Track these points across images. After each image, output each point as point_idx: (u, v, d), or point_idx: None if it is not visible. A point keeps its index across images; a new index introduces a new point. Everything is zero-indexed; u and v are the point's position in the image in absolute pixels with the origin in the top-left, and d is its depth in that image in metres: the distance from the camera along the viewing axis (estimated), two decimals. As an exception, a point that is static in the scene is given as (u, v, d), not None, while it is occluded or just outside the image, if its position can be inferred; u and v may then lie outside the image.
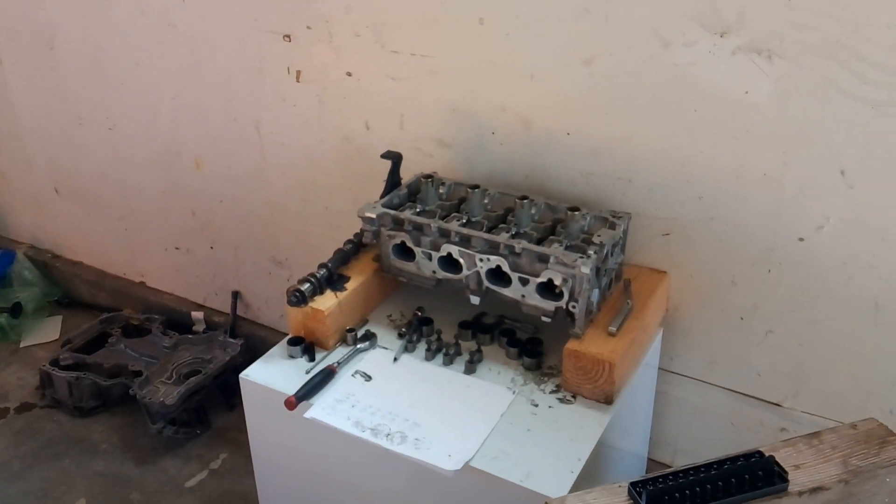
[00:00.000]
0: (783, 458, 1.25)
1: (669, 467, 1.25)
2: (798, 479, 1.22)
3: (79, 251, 3.08)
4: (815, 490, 1.22)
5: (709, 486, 1.18)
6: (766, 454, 1.24)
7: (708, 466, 1.21)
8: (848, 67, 1.49)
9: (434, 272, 1.78)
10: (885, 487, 1.26)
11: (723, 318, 1.85)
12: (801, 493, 1.21)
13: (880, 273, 1.64)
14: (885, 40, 1.45)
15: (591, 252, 1.62)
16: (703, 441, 1.99)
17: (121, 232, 2.86)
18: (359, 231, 1.86)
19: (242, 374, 1.73)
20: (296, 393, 1.63)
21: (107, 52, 2.50)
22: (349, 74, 2.06)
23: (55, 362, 2.60)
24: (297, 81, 2.15)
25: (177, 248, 2.74)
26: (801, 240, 1.68)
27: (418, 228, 1.76)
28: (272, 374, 1.72)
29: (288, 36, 2.10)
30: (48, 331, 2.98)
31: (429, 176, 1.88)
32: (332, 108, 2.13)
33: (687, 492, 1.17)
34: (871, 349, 1.72)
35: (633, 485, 1.19)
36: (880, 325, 1.68)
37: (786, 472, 1.22)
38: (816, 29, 1.49)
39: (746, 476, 1.20)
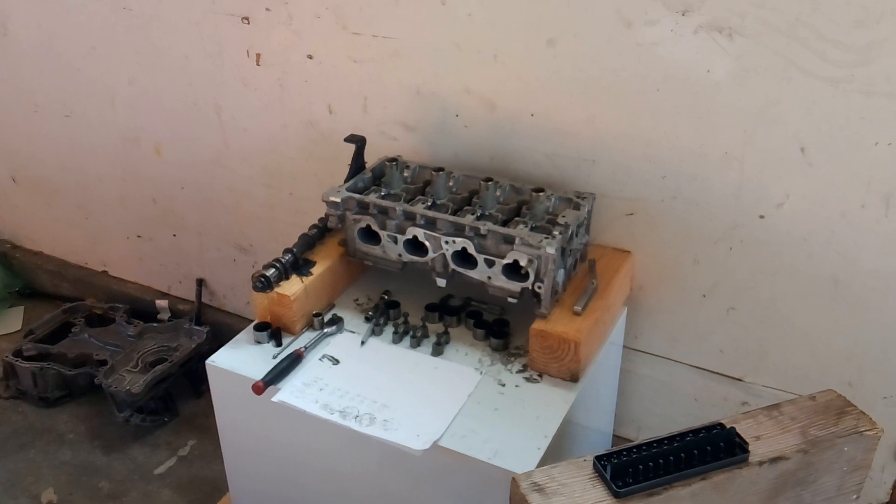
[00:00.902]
0: (744, 429, 1.27)
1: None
2: (759, 450, 1.25)
3: (39, 241, 3.03)
4: (776, 460, 1.24)
5: (671, 457, 1.20)
6: (728, 426, 1.26)
7: (671, 439, 1.23)
8: (807, 45, 1.51)
9: (400, 255, 1.78)
10: (843, 456, 1.29)
11: (685, 296, 1.87)
12: (761, 463, 1.24)
13: (839, 249, 1.67)
14: (843, 18, 1.47)
15: (556, 233, 1.63)
16: (668, 417, 2.02)
17: (81, 221, 2.82)
18: (324, 216, 1.85)
19: (209, 361, 1.72)
20: (263, 378, 1.62)
21: (61, 37, 2.45)
22: (310, 57, 2.04)
23: (18, 353, 2.56)
24: (258, 65, 2.13)
25: (139, 237, 2.71)
26: (762, 217, 1.71)
27: (383, 212, 1.76)
28: (239, 360, 1.71)
29: (246, 18, 2.08)
30: (10, 322, 2.94)
31: (393, 159, 1.88)
32: (294, 92, 2.12)
33: (650, 464, 1.19)
34: (830, 324, 1.75)
35: (598, 458, 1.21)
36: (839, 300, 1.71)
37: (746, 443, 1.24)
38: (776, 7, 1.51)
39: (708, 448, 1.22)
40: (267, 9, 2.04)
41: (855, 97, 1.52)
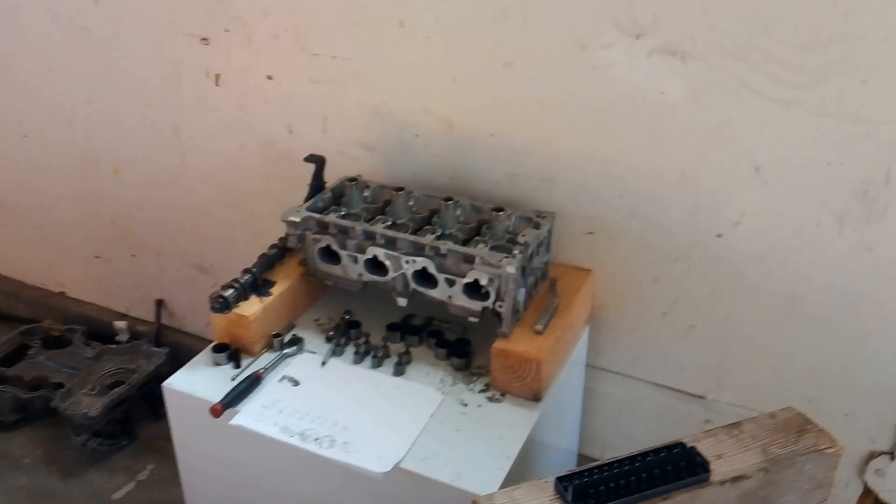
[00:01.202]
0: (705, 448, 1.27)
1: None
2: (720, 469, 1.25)
3: (-6, 262, 2.98)
4: (737, 479, 1.24)
5: (633, 478, 1.20)
6: (689, 445, 1.26)
7: (632, 459, 1.23)
8: (759, 67, 1.53)
9: (360, 275, 1.77)
10: (804, 474, 1.29)
11: (646, 313, 1.88)
12: (723, 483, 1.24)
13: (795, 267, 1.69)
14: (793, 41, 1.49)
15: (516, 252, 1.63)
16: (631, 435, 2.03)
17: (38, 241, 2.78)
18: (284, 236, 1.84)
19: (165, 383, 1.70)
20: (221, 400, 1.61)
21: (16, 57, 2.42)
22: (270, 78, 2.04)
23: (-28, 376, 2.52)
24: (217, 85, 2.12)
25: (97, 257, 2.68)
26: (719, 236, 1.72)
27: (343, 232, 1.76)
28: (196, 382, 1.69)
29: (206, 39, 2.07)
30: (-36, 345, 2.88)
31: (353, 179, 1.87)
32: (253, 112, 2.11)
33: (612, 484, 1.19)
34: (790, 341, 1.76)
35: (560, 479, 1.20)
36: (797, 317, 1.73)
37: (707, 462, 1.24)
38: (728, 30, 1.53)
39: (670, 467, 1.22)
40: (226, 30, 2.02)
41: (807, 118, 1.54)
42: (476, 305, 1.67)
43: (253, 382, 1.66)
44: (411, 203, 1.82)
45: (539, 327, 1.66)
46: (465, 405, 1.64)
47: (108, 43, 2.23)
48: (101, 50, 2.25)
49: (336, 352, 1.77)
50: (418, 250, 1.69)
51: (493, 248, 1.68)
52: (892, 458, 1.78)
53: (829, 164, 1.56)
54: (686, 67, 1.59)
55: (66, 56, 2.32)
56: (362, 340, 1.80)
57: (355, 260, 1.76)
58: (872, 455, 1.80)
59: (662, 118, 1.65)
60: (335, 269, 1.80)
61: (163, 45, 2.14)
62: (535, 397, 1.63)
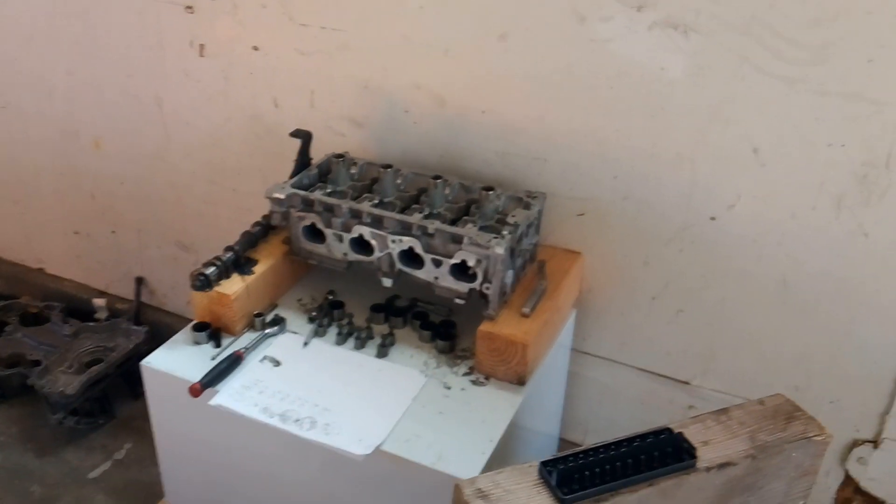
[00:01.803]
0: (692, 434, 1.25)
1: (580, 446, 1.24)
2: (706, 455, 1.23)
3: (-29, 237, 2.93)
4: (723, 465, 1.22)
5: (618, 463, 1.17)
6: (675, 431, 1.24)
7: (618, 444, 1.20)
8: (762, 43, 1.50)
9: (345, 254, 1.73)
10: (791, 462, 1.28)
11: (635, 298, 1.85)
12: (709, 469, 1.21)
13: (789, 251, 1.66)
14: (799, 16, 1.46)
15: (505, 233, 1.60)
16: (614, 420, 2.01)
17: (17, 216, 2.73)
18: (268, 213, 1.80)
19: (144, 362, 1.66)
20: (200, 380, 1.57)
21: (-4, 26, 2.37)
22: (256, 49, 1.99)
23: (-52, 353, 2.48)
24: (201, 56, 2.07)
25: (76, 233, 2.63)
26: (713, 219, 1.69)
27: (329, 209, 1.72)
28: (176, 361, 1.65)
29: (190, 7, 2.02)
30: (-61, 320, 2.84)
31: (340, 155, 1.83)
32: (238, 85, 2.06)
33: (597, 470, 1.16)
34: (779, 327, 1.74)
35: (544, 464, 1.18)
36: (787, 302, 1.71)
37: (694, 449, 1.22)
38: (732, 3, 1.49)
39: (656, 453, 1.20)
40: (211, -3, 1.98)
41: (809, 97, 1.51)
42: (462, 287, 1.64)
43: (233, 362, 1.63)
44: (399, 181, 1.78)
45: (526, 310, 1.62)
46: (449, 388, 1.61)
47: (90, 11, 2.18)
48: (83, 18, 2.20)
49: (319, 332, 1.74)
50: (405, 229, 1.65)
51: (481, 229, 1.64)
52: (876, 447, 1.77)
53: (829, 145, 1.53)
54: (688, 42, 1.55)
55: (46, 25, 2.27)
56: (345, 321, 1.77)
57: (340, 239, 1.72)
58: (856, 443, 1.79)
59: (661, 96, 1.62)
60: (320, 248, 1.76)
61: (146, 14, 2.09)
62: (520, 381, 1.61)
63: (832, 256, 1.63)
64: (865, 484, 1.82)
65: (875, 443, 1.77)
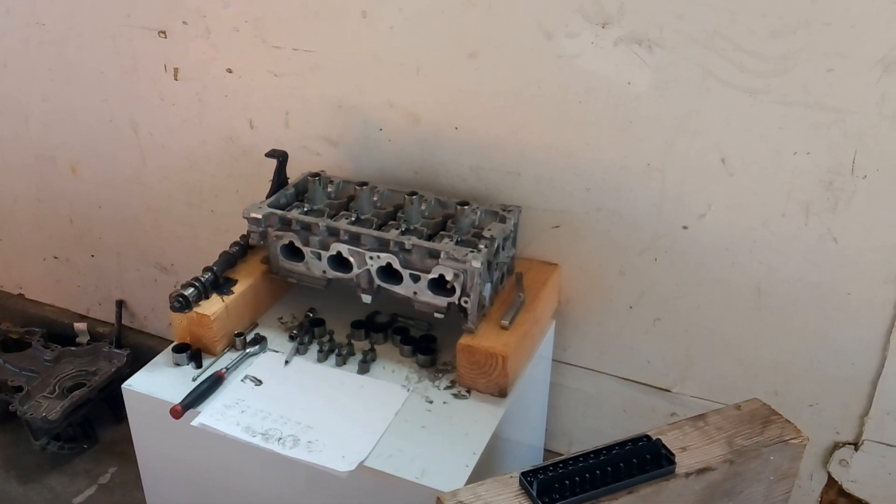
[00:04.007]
0: (670, 440, 1.27)
1: (562, 456, 1.25)
2: (685, 461, 1.25)
3: (-51, 264, 2.91)
4: (702, 471, 1.24)
5: (598, 472, 1.19)
6: (654, 438, 1.26)
7: (597, 453, 1.22)
8: (725, 56, 1.53)
9: (324, 272, 1.74)
10: (769, 466, 1.29)
11: (612, 307, 1.87)
12: (688, 475, 1.23)
13: (761, 258, 1.68)
14: (759, 28, 1.49)
15: (481, 246, 1.61)
16: (598, 429, 2.02)
17: (-5, 242, 2.72)
18: (246, 233, 1.81)
19: (125, 385, 1.66)
20: (182, 401, 1.57)
21: (-30, 52, 2.37)
22: (230, 71, 2.00)
23: (-72, 381, 2.46)
24: (176, 79, 2.08)
25: (55, 258, 2.62)
26: (685, 228, 1.72)
27: (306, 228, 1.73)
28: (157, 383, 1.65)
29: (163, 32, 2.03)
30: (-81, 349, 2.81)
31: (316, 174, 1.84)
32: (213, 107, 2.07)
33: (577, 479, 1.18)
34: (755, 333, 1.76)
35: (524, 475, 1.19)
36: (762, 308, 1.73)
37: (673, 455, 1.23)
38: (694, 18, 1.52)
39: (635, 460, 1.21)
40: (184, 22, 1.99)
41: (773, 107, 1.53)
42: (441, 301, 1.65)
43: (214, 382, 1.63)
44: (375, 198, 1.79)
45: (505, 322, 1.64)
46: (431, 402, 1.62)
47: (65, 37, 2.19)
48: (57, 45, 2.20)
49: (300, 350, 1.75)
50: (383, 246, 1.67)
51: (458, 243, 1.66)
52: (856, 449, 1.79)
53: (795, 153, 1.56)
54: (652, 57, 1.58)
55: (21, 51, 2.27)
56: (326, 338, 1.77)
57: (319, 256, 1.73)
58: (837, 446, 1.81)
59: (629, 109, 1.64)
60: (298, 266, 1.77)
61: (120, 39, 2.10)
62: (501, 393, 1.62)
63: (804, 262, 1.65)
64: (848, 486, 1.84)
65: (856, 445, 1.78)
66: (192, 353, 1.70)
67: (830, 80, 1.48)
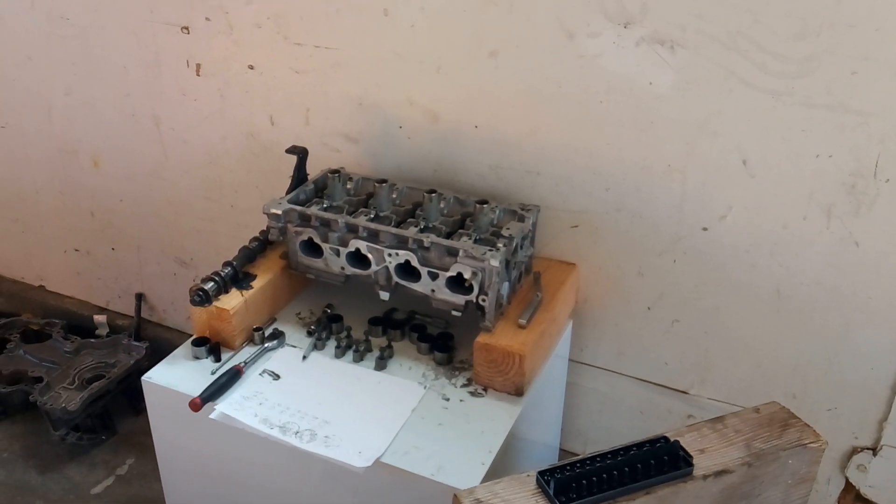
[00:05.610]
0: (688, 442, 1.26)
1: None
2: (703, 463, 1.24)
3: (-28, 255, 2.94)
4: (720, 473, 1.24)
5: (615, 472, 1.19)
6: (672, 439, 1.25)
7: (615, 453, 1.22)
8: (748, 57, 1.52)
9: (342, 268, 1.75)
10: (787, 469, 1.29)
11: (630, 308, 1.87)
12: (705, 477, 1.23)
13: (781, 261, 1.68)
14: (783, 30, 1.48)
15: (500, 245, 1.61)
16: (614, 430, 2.02)
17: (17, 234, 2.74)
18: (265, 228, 1.81)
19: (145, 377, 1.67)
20: (200, 394, 1.58)
21: (-5, 46, 2.39)
22: (251, 67, 2.01)
23: (-51, 370, 2.49)
24: (198, 75, 2.09)
25: (77, 250, 2.65)
26: (705, 229, 1.71)
27: (325, 224, 1.73)
28: (176, 376, 1.67)
29: (186, 28, 2.04)
30: (-59, 339, 2.84)
31: (336, 171, 1.85)
32: (234, 103, 2.08)
33: (594, 479, 1.18)
34: (774, 336, 1.75)
35: (542, 473, 1.19)
36: (782, 311, 1.72)
37: (691, 457, 1.23)
38: (717, 19, 1.52)
39: (652, 461, 1.21)
40: (207, 18, 2.00)
41: (796, 109, 1.53)
42: (459, 299, 1.65)
43: (233, 376, 1.64)
44: (394, 195, 1.80)
45: (522, 321, 1.64)
46: (448, 399, 1.62)
47: (88, 32, 2.20)
48: (81, 39, 2.22)
49: (317, 346, 1.75)
50: (401, 243, 1.67)
51: (476, 242, 1.66)
52: (875, 454, 1.78)
53: (817, 156, 1.55)
54: (675, 57, 1.57)
55: (45, 45, 2.29)
56: (344, 334, 1.78)
57: (337, 253, 1.74)
58: (855, 450, 1.80)
59: (650, 110, 1.64)
60: (317, 263, 1.78)
61: (143, 34, 2.11)
62: (518, 392, 1.62)
63: (824, 265, 1.64)
64: (866, 491, 1.83)
65: (874, 450, 1.77)
66: (211, 346, 1.72)
67: (854, 82, 1.47)
